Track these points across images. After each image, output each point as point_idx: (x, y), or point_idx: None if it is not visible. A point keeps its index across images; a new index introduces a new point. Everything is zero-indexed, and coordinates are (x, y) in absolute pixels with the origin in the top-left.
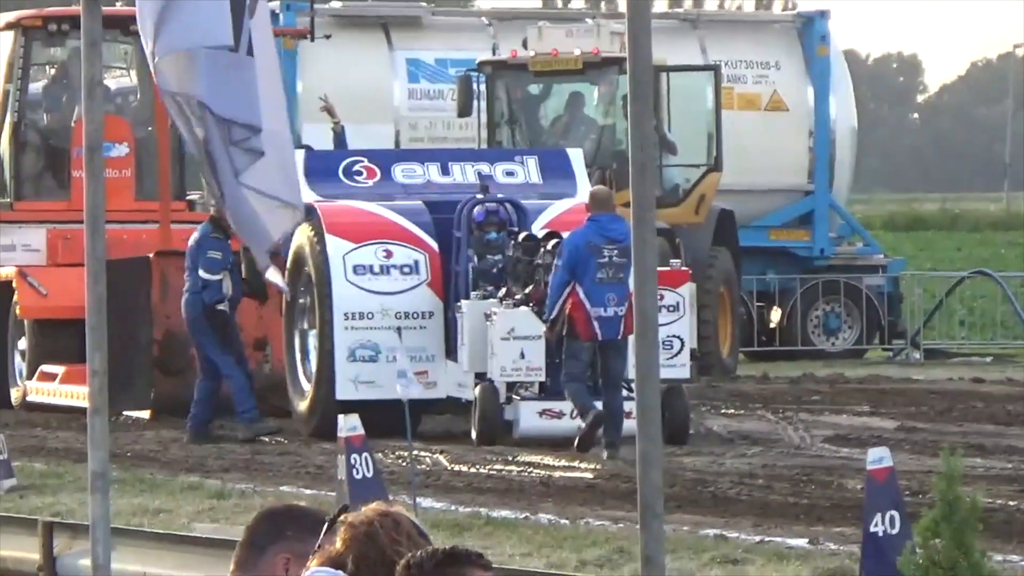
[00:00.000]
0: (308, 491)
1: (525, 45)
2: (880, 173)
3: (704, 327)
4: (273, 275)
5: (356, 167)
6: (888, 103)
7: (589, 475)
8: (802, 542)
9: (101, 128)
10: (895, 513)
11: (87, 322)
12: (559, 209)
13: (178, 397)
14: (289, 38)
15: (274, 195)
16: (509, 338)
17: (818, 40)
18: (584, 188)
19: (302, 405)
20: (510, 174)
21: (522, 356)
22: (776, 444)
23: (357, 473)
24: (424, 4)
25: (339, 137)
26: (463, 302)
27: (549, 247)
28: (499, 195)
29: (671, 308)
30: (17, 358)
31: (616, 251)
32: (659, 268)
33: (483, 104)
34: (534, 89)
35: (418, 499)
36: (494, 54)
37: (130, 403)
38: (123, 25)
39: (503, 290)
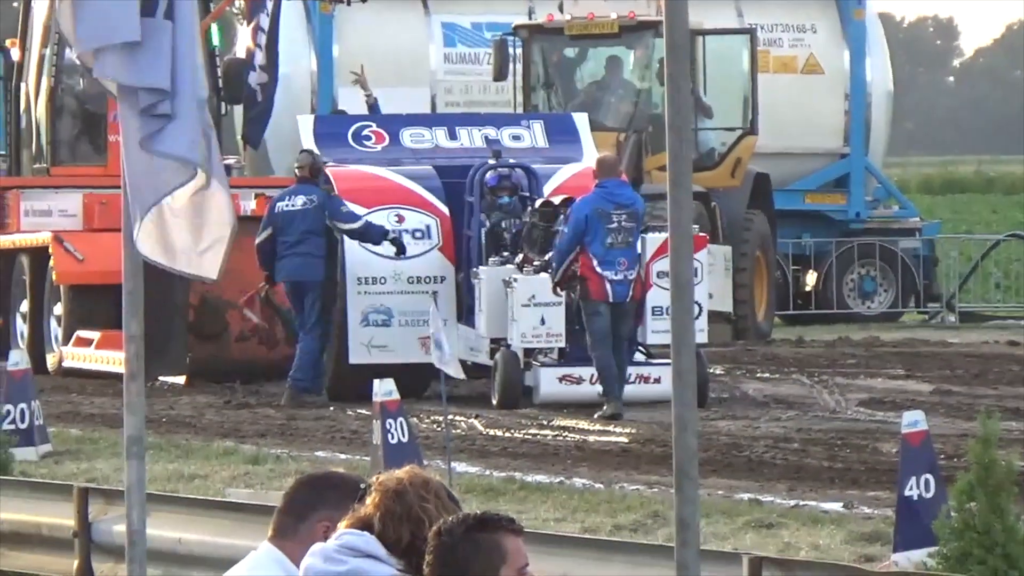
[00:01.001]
0: (343, 456)
1: (561, 9)
2: (916, 136)
3: (740, 291)
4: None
5: (365, 132)
6: (924, 66)
7: (624, 439)
8: (836, 506)
9: None
10: (930, 477)
11: (123, 287)
12: (567, 173)
13: (213, 362)
14: (326, 2)
15: (174, 154)
16: (530, 304)
17: (854, 3)
18: (590, 152)
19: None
20: (516, 138)
21: (542, 322)
22: (811, 408)
23: (392, 438)
24: None
25: (372, 108)
26: (481, 268)
27: (567, 213)
28: (511, 160)
29: None
30: (53, 323)
31: (624, 216)
32: None
33: (519, 68)
34: (570, 53)
35: (453, 463)
36: (530, 18)
37: (166, 368)
38: None
39: (520, 256)
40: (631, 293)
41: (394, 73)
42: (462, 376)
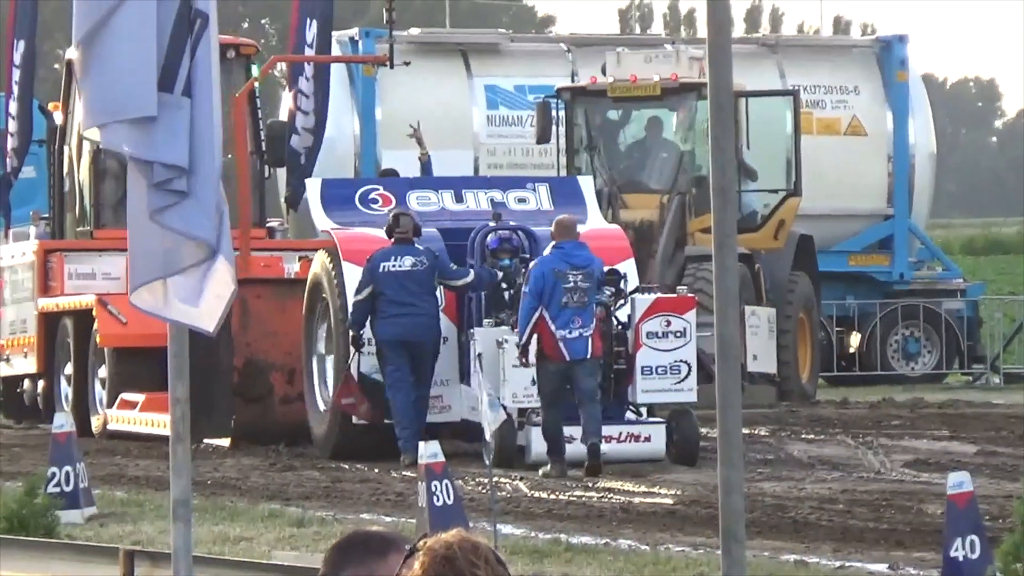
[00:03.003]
0: (388, 518)
1: (604, 71)
2: (958, 197)
3: (784, 352)
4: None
5: (372, 195)
6: (966, 127)
7: (669, 501)
8: (882, 567)
9: None
10: (975, 538)
11: (169, 350)
12: None
13: (258, 425)
14: (368, 65)
15: (190, 234)
16: (520, 365)
17: (897, 65)
18: (595, 215)
19: (320, 429)
20: (522, 201)
21: (533, 383)
22: (856, 469)
23: (437, 500)
24: (503, 31)
25: (425, 167)
26: (476, 329)
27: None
28: (511, 223)
29: (678, 334)
30: (97, 386)
31: (580, 276)
32: (665, 295)
33: (562, 130)
34: (613, 115)
35: (498, 525)
36: (573, 80)
37: (210, 431)
38: None
39: (514, 317)
40: (590, 350)
41: (437, 135)
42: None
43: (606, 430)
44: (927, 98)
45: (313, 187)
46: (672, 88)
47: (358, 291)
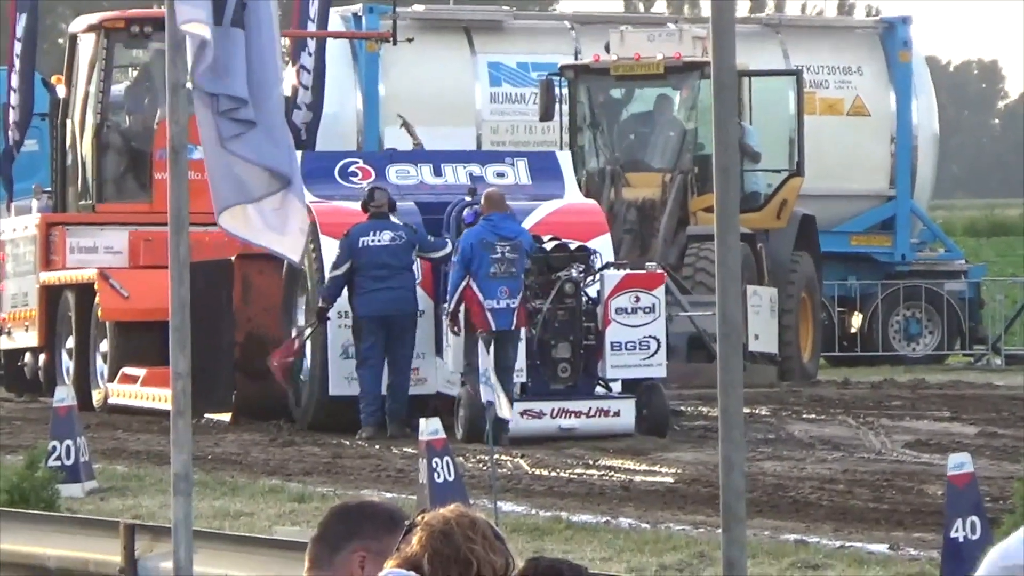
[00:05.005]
0: (389, 494)
1: (607, 49)
2: (961, 179)
3: (785, 332)
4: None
5: (352, 168)
6: (969, 109)
7: (670, 479)
8: (882, 548)
9: (185, 130)
10: (976, 519)
11: (171, 324)
12: (545, 211)
13: (260, 400)
14: (372, 41)
15: (263, 164)
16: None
17: (900, 46)
18: (572, 190)
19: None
20: (500, 175)
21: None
22: (857, 449)
23: (438, 477)
24: (506, 8)
25: None
26: (446, 304)
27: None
28: None
29: (647, 310)
30: (99, 360)
31: (508, 247)
32: (634, 272)
33: (565, 108)
34: (616, 93)
35: (499, 503)
36: (576, 58)
37: (212, 406)
38: None
39: None
40: (514, 321)
41: (440, 112)
42: (509, 416)
43: (576, 405)
44: (930, 79)
45: (295, 157)
46: (675, 67)
47: (337, 265)
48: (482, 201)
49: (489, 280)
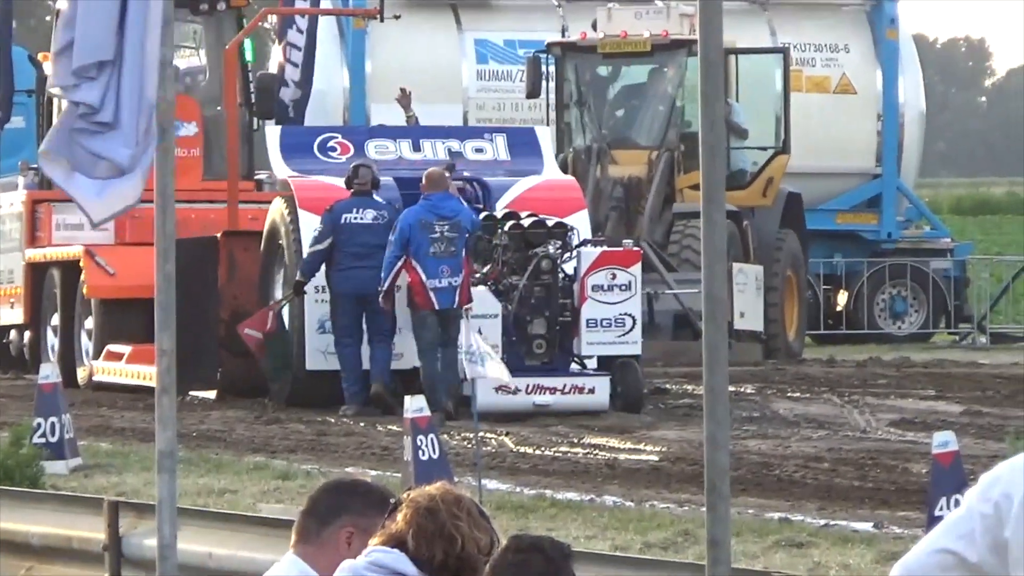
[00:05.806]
0: (374, 472)
1: (594, 27)
2: (947, 157)
3: (771, 310)
4: None
5: (330, 143)
6: (956, 87)
7: (654, 457)
8: (867, 526)
9: (172, 107)
10: (960, 497)
11: (156, 301)
12: (523, 187)
13: (244, 377)
14: (359, 18)
15: (107, 156)
16: (466, 316)
17: (887, 23)
18: (551, 166)
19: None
20: (479, 151)
21: (479, 333)
22: (841, 428)
23: (423, 454)
24: None
25: None
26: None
27: (507, 227)
28: (465, 172)
29: (623, 287)
30: (84, 337)
31: (447, 227)
32: (611, 249)
33: (551, 85)
34: (603, 71)
35: (483, 480)
36: (563, 36)
37: (196, 383)
38: (193, 4)
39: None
40: (456, 299)
41: (426, 89)
42: (508, 379)
43: (550, 382)
44: (917, 57)
45: (272, 135)
46: (663, 44)
47: (318, 240)
48: (423, 180)
49: (430, 259)
